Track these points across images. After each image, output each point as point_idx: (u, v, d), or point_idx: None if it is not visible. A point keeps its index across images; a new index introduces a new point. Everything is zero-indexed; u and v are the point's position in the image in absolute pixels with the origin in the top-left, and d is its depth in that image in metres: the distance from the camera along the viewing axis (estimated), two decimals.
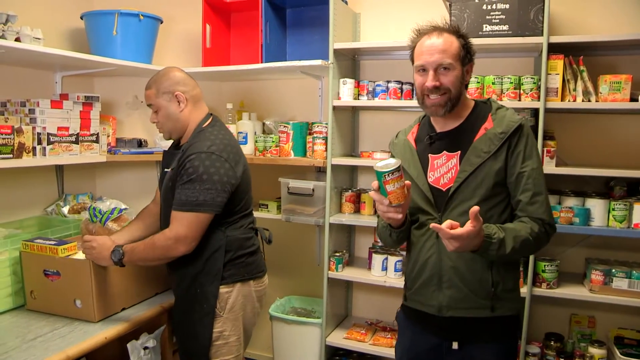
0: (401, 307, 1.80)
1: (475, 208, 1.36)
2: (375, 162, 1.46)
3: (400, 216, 1.50)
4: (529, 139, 1.56)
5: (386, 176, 1.42)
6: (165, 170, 2.00)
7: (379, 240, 2.81)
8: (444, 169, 1.60)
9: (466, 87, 1.63)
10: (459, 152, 1.58)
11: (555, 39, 2.27)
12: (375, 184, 1.47)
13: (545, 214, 1.52)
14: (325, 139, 2.68)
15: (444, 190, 1.59)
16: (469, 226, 1.37)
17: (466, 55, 1.58)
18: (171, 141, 2.14)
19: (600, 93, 2.26)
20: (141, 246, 1.89)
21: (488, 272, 1.56)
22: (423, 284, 1.64)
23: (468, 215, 1.41)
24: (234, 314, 1.95)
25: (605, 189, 2.49)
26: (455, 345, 1.60)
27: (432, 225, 1.39)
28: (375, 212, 1.73)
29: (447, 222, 1.38)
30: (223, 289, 1.93)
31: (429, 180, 1.62)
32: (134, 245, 1.92)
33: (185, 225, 1.82)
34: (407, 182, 1.46)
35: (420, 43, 1.58)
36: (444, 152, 1.61)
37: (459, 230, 1.36)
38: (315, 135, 2.73)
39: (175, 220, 1.84)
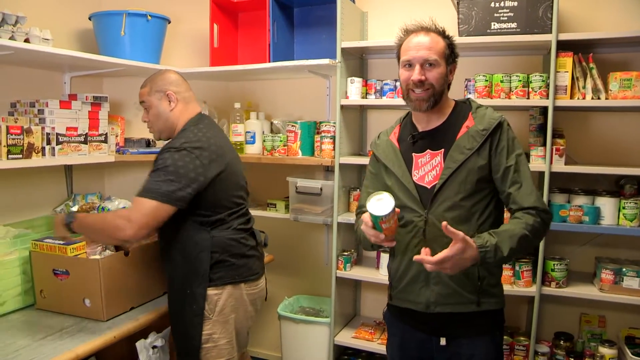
0: (387, 307, 1.82)
1: (444, 224, 1.41)
2: (369, 202, 1.47)
3: (393, 244, 1.54)
4: (509, 134, 1.61)
5: (383, 217, 1.44)
6: None
7: None
8: (428, 167, 1.64)
9: (448, 87, 1.68)
10: (443, 150, 1.63)
11: (564, 36, 2.25)
12: (368, 220, 1.49)
13: (536, 202, 1.55)
14: (333, 138, 2.67)
15: (429, 187, 1.62)
16: (451, 246, 1.41)
17: (450, 55, 1.64)
18: None
19: (610, 90, 2.24)
20: (93, 216, 1.90)
21: (475, 267, 1.58)
22: (410, 282, 1.66)
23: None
24: (223, 317, 1.94)
25: (615, 187, 2.46)
26: (443, 342, 1.64)
27: (415, 258, 1.45)
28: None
29: (424, 251, 1.44)
30: (212, 291, 1.91)
31: (414, 178, 1.65)
32: (88, 214, 1.93)
33: (140, 211, 1.78)
34: (397, 209, 1.49)
35: (407, 40, 1.64)
36: (428, 150, 1.65)
37: (442, 254, 1.41)
38: (323, 134, 2.72)
39: (133, 204, 1.82)
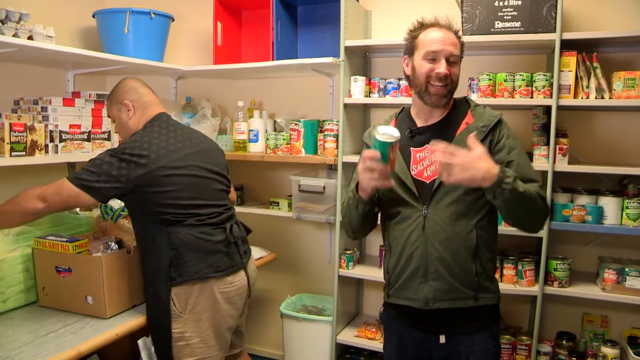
0: (384, 306, 1.81)
1: (472, 135, 1.44)
2: (376, 133, 1.41)
3: (392, 183, 1.52)
4: (508, 132, 1.62)
5: (393, 144, 1.41)
6: None
7: None
8: (427, 161, 1.64)
9: None
10: None
11: (568, 36, 2.25)
12: (373, 155, 1.43)
13: (540, 192, 1.54)
14: (336, 136, 2.67)
15: (427, 182, 1.62)
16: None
17: (461, 57, 1.65)
18: None
19: (614, 90, 2.23)
20: (4, 203, 1.91)
21: (472, 263, 1.59)
22: (408, 278, 1.65)
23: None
24: (195, 315, 1.92)
25: (618, 187, 2.45)
26: (442, 339, 1.63)
27: (430, 146, 1.46)
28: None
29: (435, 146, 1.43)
30: (180, 290, 1.90)
31: (413, 173, 1.65)
32: None
33: (53, 187, 1.86)
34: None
35: (428, 32, 1.61)
36: (426, 145, 1.64)
37: (457, 149, 1.41)
38: (326, 132, 2.72)
39: (54, 182, 1.89)
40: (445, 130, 1.64)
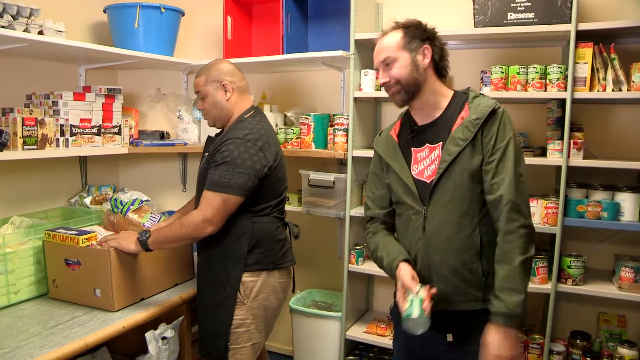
0: (394, 303, 1.79)
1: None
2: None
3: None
4: (501, 122, 1.53)
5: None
6: (205, 154, 2.08)
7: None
8: (427, 161, 1.61)
9: (439, 74, 1.63)
10: (441, 143, 1.58)
11: (584, 26, 2.18)
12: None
13: (514, 196, 1.48)
14: (347, 130, 2.64)
15: (428, 182, 1.59)
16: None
17: (411, 42, 1.58)
18: (215, 129, 2.19)
19: (633, 82, 2.16)
20: (167, 227, 1.95)
21: (478, 262, 1.55)
22: None
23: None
24: (257, 303, 1.99)
25: (636, 182, 2.38)
26: (449, 338, 1.60)
27: None
28: None
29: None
30: (248, 277, 1.96)
31: (413, 173, 1.62)
32: (159, 226, 2.01)
33: (214, 206, 1.87)
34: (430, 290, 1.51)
35: None
36: (426, 144, 1.62)
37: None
38: (336, 127, 2.70)
39: (204, 200, 1.89)
40: (442, 127, 1.60)
